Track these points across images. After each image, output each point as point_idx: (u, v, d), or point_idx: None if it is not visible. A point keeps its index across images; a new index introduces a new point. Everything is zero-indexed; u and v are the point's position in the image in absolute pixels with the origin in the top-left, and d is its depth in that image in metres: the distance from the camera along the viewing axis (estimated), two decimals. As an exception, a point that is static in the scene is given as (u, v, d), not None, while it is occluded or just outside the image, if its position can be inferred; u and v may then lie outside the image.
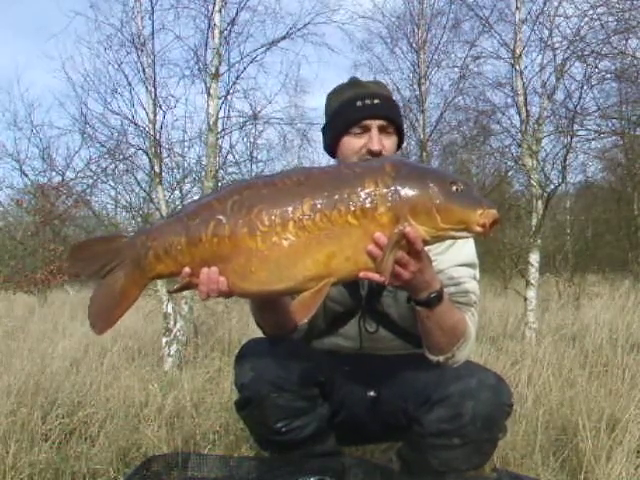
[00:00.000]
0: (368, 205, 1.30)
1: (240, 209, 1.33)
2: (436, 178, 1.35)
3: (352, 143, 1.71)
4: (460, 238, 1.42)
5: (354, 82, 1.80)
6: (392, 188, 1.31)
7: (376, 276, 1.30)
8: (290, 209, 1.31)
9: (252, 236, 1.31)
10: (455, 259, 1.68)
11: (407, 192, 1.31)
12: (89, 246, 1.49)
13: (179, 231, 1.37)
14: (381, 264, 1.28)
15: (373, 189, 1.31)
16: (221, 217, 1.34)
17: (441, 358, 1.61)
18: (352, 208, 1.30)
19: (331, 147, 1.78)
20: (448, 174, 1.42)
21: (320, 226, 1.30)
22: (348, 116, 1.72)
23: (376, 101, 1.72)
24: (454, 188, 1.33)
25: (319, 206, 1.30)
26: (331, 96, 1.82)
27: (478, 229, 1.32)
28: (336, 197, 1.31)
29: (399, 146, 1.80)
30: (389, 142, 1.71)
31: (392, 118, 1.72)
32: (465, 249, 1.71)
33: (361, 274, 1.31)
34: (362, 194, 1.30)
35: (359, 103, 1.71)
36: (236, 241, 1.32)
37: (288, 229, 1.30)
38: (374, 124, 1.70)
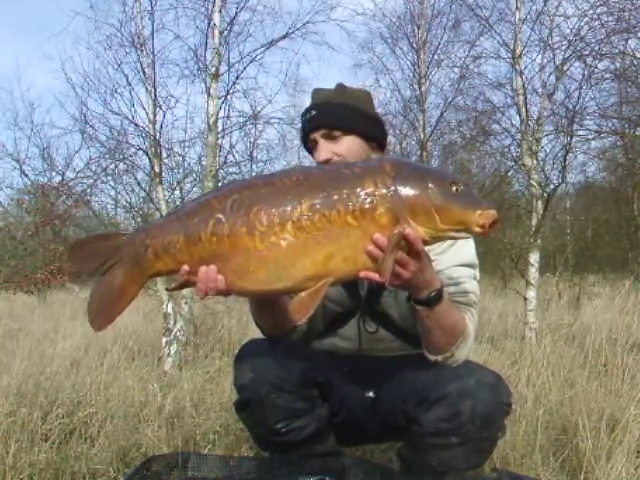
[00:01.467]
0: (367, 205, 1.30)
1: (239, 208, 1.33)
2: (436, 178, 1.35)
3: (314, 159, 1.76)
4: (460, 238, 1.42)
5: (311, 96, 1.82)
6: (392, 188, 1.31)
7: (376, 276, 1.30)
8: (289, 209, 1.31)
9: (251, 235, 1.31)
10: (455, 259, 1.68)
11: (407, 192, 1.31)
12: (88, 244, 1.50)
13: (178, 229, 1.37)
14: (381, 265, 1.28)
15: (373, 189, 1.31)
16: (220, 216, 1.34)
17: (440, 357, 1.61)
18: (351, 208, 1.30)
19: None
20: (448, 174, 1.42)
21: (319, 226, 1.30)
22: (301, 135, 1.80)
23: (313, 112, 1.74)
24: (454, 188, 1.33)
25: (318, 206, 1.30)
26: None
27: (478, 229, 1.32)
28: (335, 197, 1.30)
29: (378, 141, 1.78)
30: (340, 146, 1.71)
31: (329, 123, 1.71)
32: (465, 249, 1.71)
33: (361, 274, 1.31)
34: (361, 194, 1.30)
35: (303, 119, 1.77)
36: (235, 240, 1.32)
37: (287, 229, 1.30)
38: (317, 135, 1.72)
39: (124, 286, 1.41)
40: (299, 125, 1.84)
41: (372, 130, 1.77)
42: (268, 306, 1.65)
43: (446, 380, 1.59)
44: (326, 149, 1.70)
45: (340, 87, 1.79)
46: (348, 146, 1.71)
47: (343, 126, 1.71)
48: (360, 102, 1.77)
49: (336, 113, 1.72)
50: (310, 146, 1.77)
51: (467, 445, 1.58)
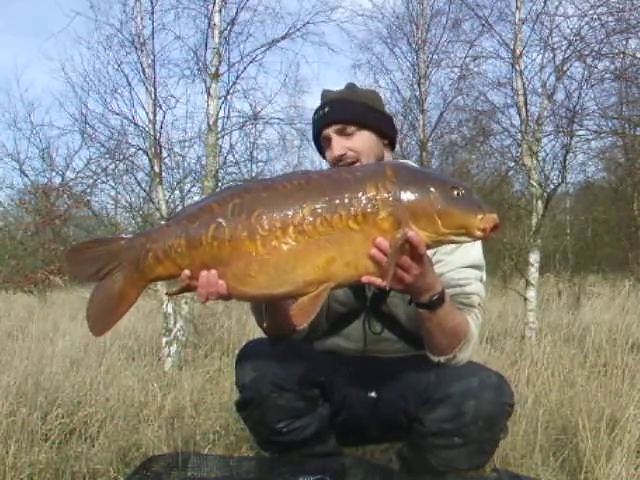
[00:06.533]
0: (369, 210, 1.30)
1: (240, 213, 1.33)
2: (437, 183, 1.35)
3: (327, 156, 1.76)
4: (460, 242, 1.43)
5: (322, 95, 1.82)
6: (393, 193, 1.31)
7: (378, 280, 1.30)
8: (290, 213, 1.31)
9: (252, 240, 1.31)
10: (462, 260, 1.68)
11: (408, 197, 1.31)
12: (87, 248, 1.47)
13: (179, 234, 1.36)
14: (384, 268, 1.29)
15: (374, 194, 1.31)
16: (221, 220, 1.33)
17: (442, 359, 1.61)
18: (353, 213, 1.30)
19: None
20: (449, 178, 1.42)
21: (320, 231, 1.30)
22: (313, 133, 1.79)
23: (327, 109, 1.74)
24: (455, 193, 1.33)
25: (320, 210, 1.30)
26: None
27: (479, 233, 1.33)
28: (337, 202, 1.31)
29: (389, 137, 1.78)
30: (354, 142, 1.71)
31: (344, 118, 1.71)
32: (473, 250, 1.70)
33: (363, 278, 1.32)
34: (363, 199, 1.30)
35: (316, 117, 1.76)
36: (236, 245, 1.32)
37: (288, 233, 1.30)
38: (330, 131, 1.72)
39: (124, 291, 1.40)
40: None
41: (386, 126, 1.78)
42: (269, 310, 1.65)
43: (449, 380, 1.59)
44: (340, 145, 1.70)
45: (351, 86, 1.81)
46: (363, 141, 1.71)
47: (358, 121, 1.71)
48: (372, 101, 1.78)
49: (350, 109, 1.72)
50: (323, 144, 1.77)
51: (469, 445, 1.58)
